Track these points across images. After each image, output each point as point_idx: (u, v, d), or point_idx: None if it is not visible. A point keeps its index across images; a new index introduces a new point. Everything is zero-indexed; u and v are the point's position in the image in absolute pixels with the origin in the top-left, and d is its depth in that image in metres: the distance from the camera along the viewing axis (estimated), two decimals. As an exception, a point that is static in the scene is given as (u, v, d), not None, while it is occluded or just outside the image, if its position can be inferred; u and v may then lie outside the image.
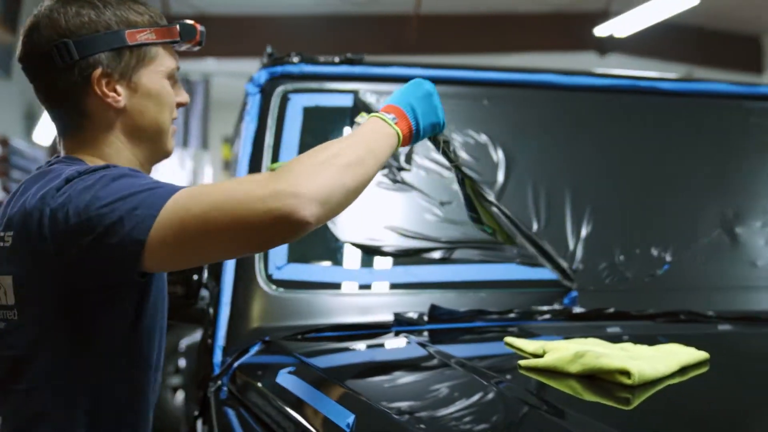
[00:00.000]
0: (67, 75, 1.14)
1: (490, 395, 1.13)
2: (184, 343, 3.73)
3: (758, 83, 2.40)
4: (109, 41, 1.15)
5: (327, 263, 1.70)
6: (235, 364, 1.47)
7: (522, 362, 1.22)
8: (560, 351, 1.21)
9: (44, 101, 1.20)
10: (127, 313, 1.14)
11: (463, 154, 1.84)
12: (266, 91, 1.84)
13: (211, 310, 1.64)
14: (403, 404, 1.12)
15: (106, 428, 1.14)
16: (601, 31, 8.60)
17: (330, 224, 1.69)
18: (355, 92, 1.83)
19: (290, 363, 1.38)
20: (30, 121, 8.54)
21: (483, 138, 1.87)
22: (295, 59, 1.88)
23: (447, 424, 1.04)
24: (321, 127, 1.84)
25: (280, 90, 1.84)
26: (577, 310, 1.61)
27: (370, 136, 1.12)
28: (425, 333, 1.53)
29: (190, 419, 1.60)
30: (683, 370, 1.18)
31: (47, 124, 8.27)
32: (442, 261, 1.69)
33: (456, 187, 1.76)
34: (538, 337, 1.38)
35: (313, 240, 1.72)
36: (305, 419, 1.15)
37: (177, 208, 1.01)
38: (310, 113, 1.84)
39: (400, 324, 1.54)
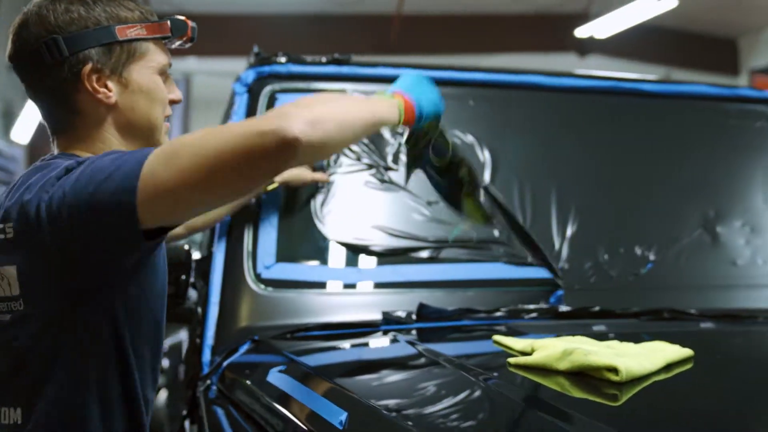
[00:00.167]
0: (56, 71, 1.14)
1: (481, 392, 1.14)
2: (168, 342, 3.71)
3: (735, 85, 2.44)
4: (98, 37, 1.15)
5: (315, 263, 1.70)
6: (225, 363, 1.47)
7: (511, 360, 1.24)
8: (549, 349, 1.22)
9: (35, 98, 1.20)
10: (132, 295, 1.14)
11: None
12: (254, 91, 1.85)
13: (199, 310, 1.64)
14: (395, 402, 1.13)
15: (118, 413, 1.15)
16: (581, 32, 8.68)
17: (318, 223, 1.70)
18: (342, 92, 1.84)
19: (280, 362, 1.39)
20: (8, 119, 8.43)
21: (469, 138, 1.88)
22: (283, 59, 1.89)
23: (439, 422, 1.05)
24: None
25: (267, 90, 1.85)
26: (563, 308, 1.63)
27: (372, 102, 1.16)
28: (413, 332, 1.54)
29: (178, 418, 1.59)
30: (669, 366, 1.20)
31: (25, 123, 8.18)
32: (430, 260, 1.70)
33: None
34: (526, 336, 1.40)
35: (302, 240, 1.73)
36: (297, 417, 1.16)
37: (164, 151, 1.01)
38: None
39: (389, 323, 1.55)
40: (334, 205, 1.72)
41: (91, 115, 1.17)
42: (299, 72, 1.88)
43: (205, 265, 1.67)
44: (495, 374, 1.22)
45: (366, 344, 1.54)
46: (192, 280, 1.66)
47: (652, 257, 1.81)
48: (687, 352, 1.26)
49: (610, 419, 1.01)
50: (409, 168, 1.43)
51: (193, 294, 1.72)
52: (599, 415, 1.04)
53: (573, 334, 1.36)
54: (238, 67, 1.94)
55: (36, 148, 8.67)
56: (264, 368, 1.40)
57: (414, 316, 1.57)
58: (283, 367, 1.35)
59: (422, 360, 1.35)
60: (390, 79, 1.34)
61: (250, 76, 1.86)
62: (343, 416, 1.07)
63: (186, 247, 1.64)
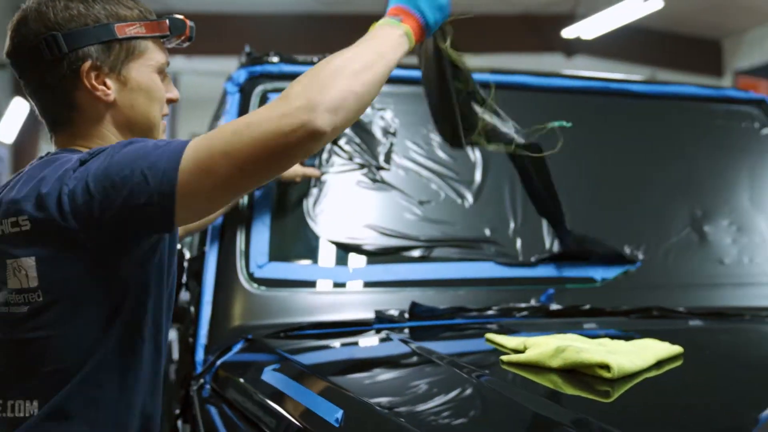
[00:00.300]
0: (55, 68, 1.14)
1: (475, 390, 1.15)
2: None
3: (719, 86, 2.47)
4: (98, 34, 1.15)
5: (308, 262, 1.71)
6: (218, 362, 1.47)
7: (504, 357, 1.25)
8: (541, 346, 1.24)
9: (33, 95, 1.20)
10: (151, 281, 1.16)
11: (441, 154, 1.87)
12: (246, 91, 1.85)
13: (192, 309, 1.64)
14: (391, 399, 1.14)
15: (137, 399, 1.16)
16: (568, 33, 8.73)
17: (311, 223, 1.71)
18: None
19: (274, 360, 1.39)
20: (-8, 118, 8.37)
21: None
22: (275, 59, 1.89)
23: (435, 418, 1.06)
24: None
25: (259, 89, 1.85)
26: (554, 306, 1.65)
27: (378, 40, 1.13)
28: (406, 330, 1.55)
29: (171, 417, 1.59)
30: (659, 363, 1.22)
31: (10, 123, 8.11)
32: (422, 259, 1.71)
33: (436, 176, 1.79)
34: (518, 334, 1.41)
35: (295, 239, 1.74)
36: (292, 415, 1.17)
37: (197, 150, 1.03)
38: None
39: (381, 321, 1.56)
40: (326, 204, 1.73)
41: (90, 112, 1.18)
42: (291, 72, 1.88)
43: (197, 265, 1.67)
44: (488, 372, 1.23)
45: (359, 343, 1.54)
46: (184, 280, 1.66)
47: (641, 256, 1.83)
48: (677, 349, 1.28)
49: (602, 415, 1.03)
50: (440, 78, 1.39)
51: (184, 294, 1.73)
52: (592, 411, 1.05)
53: (564, 332, 1.38)
54: (226, 66, 1.94)
55: (21, 147, 8.60)
56: (258, 367, 1.40)
57: (406, 315, 1.58)
58: (277, 365, 1.36)
59: (416, 358, 1.36)
60: None
61: (242, 75, 1.87)
62: (339, 414, 1.08)
63: (178, 246, 1.64)
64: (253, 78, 1.86)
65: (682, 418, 1.04)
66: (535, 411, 1.06)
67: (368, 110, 1.84)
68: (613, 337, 1.36)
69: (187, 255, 1.74)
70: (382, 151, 1.82)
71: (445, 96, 1.41)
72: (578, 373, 1.16)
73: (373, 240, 1.71)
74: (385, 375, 1.34)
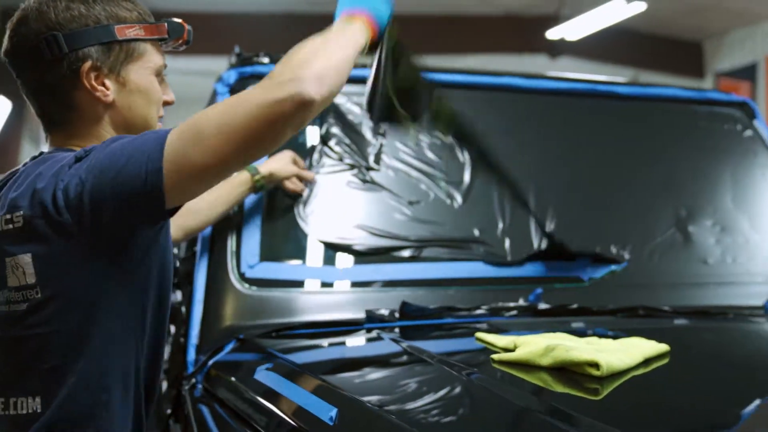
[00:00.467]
0: (55, 68, 1.15)
1: (466, 388, 1.17)
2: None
3: (701, 87, 2.51)
4: (98, 35, 1.16)
5: (299, 262, 1.72)
6: (210, 362, 1.48)
7: (495, 356, 1.27)
8: (531, 345, 1.26)
9: (31, 95, 1.21)
10: (149, 276, 1.17)
11: (430, 155, 1.88)
12: (236, 91, 1.84)
13: (183, 309, 1.64)
14: (384, 398, 1.16)
15: (137, 393, 1.17)
16: (553, 34, 8.79)
17: (301, 223, 1.72)
18: None
19: (267, 360, 1.40)
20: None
21: (449, 139, 1.91)
22: (265, 59, 1.90)
23: (428, 416, 1.08)
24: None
25: (249, 90, 1.85)
26: (542, 306, 1.67)
27: (339, 31, 1.21)
28: (396, 329, 1.56)
29: (162, 417, 1.60)
30: (647, 361, 1.25)
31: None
32: (412, 259, 1.73)
33: (424, 186, 1.81)
34: (508, 333, 1.43)
35: (286, 239, 1.75)
36: (286, 414, 1.18)
37: (186, 131, 1.05)
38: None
39: (372, 321, 1.57)
40: (317, 204, 1.74)
41: (88, 113, 1.18)
42: (281, 73, 1.88)
43: (188, 265, 1.67)
44: (479, 370, 1.25)
45: (351, 342, 1.56)
46: (175, 280, 1.67)
47: (627, 256, 1.86)
48: (663, 347, 1.31)
49: (592, 412, 1.05)
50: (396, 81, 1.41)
51: (176, 294, 1.73)
52: (582, 408, 1.07)
53: (553, 331, 1.40)
54: (208, 65, 1.95)
55: (3, 146, 8.52)
56: (250, 366, 1.41)
57: (397, 314, 1.59)
58: (269, 364, 1.37)
59: (407, 357, 1.38)
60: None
61: (232, 76, 1.87)
62: (333, 412, 1.09)
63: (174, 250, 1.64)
64: (244, 79, 1.87)
65: (669, 415, 1.06)
66: (526, 408, 1.08)
67: (357, 111, 1.85)
68: (600, 336, 1.38)
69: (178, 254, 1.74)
70: (371, 151, 1.84)
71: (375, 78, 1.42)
72: (568, 371, 1.18)
73: (363, 240, 1.72)
74: (377, 374, 1.36)
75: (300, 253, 1.72)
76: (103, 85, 1.17)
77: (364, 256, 1.71)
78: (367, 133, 1.85)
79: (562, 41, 8.87)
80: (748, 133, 2.20)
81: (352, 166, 1.80)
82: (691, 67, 10.10)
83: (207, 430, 1.33)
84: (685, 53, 10.11)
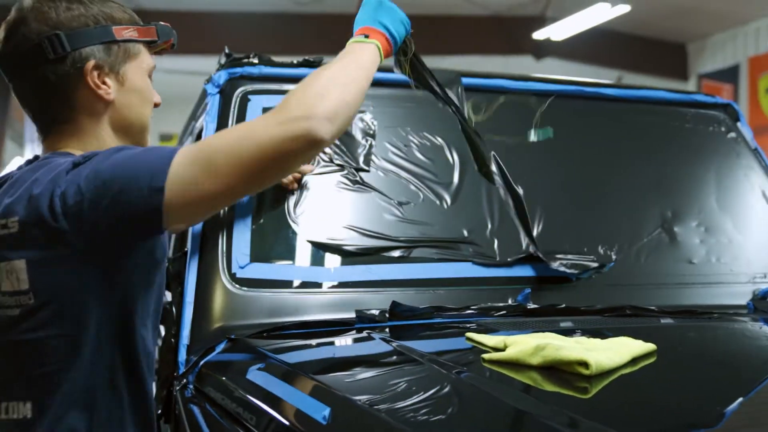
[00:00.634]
0: (59, 67, 1.17)
1: (458, 387, 1.18)
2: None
3: (688, 90, 2.54)
4: (99, 35, 1.19)
5: (289, 262, 1.72)
6: (201, 362, 1.48)
7: (485, 355, 1.28)
8: (521, 344, 1.27)
9: (30, 95, 1.21)
10: (142, 283, 1.18)
11: (420, 156, 1.89)
12: (226, 92, 1.86)
13: (173, 310, 1.64)
14: (376, 397, 1.17)
15: (128, 400, 1.18)
16: (538, 34, 8.84)
17: (292, 224, 1.72)
18: None
19: (258, 359, 1.41)
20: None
21: (438, 140, 1.93)
22: (255, 60, 1.90)
23: (421, 415, 1.09)
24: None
25: (240, 91, 1.86)
26: (531, 306, 1.69)
27: (356, 55, 1.21)
28: (387, 329, 1.57)
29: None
30: (634, 360, 1.26)
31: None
32: (402, 259, 1.74)
33: (413, 187, 1.83)
34: (497, 332, 1.44)
35: (276, 240, 1.75)
36: (279, 414, 1.18)
37: (193, 150, 1.05)
38: (269, 114, 1.86)
39: (362, 321, 1.58)
40: (307, 205, 1.75)
41: (89, 111, 1.20)
42: (271, 74, 1.89)
43: (179, 266, 1.67)
44: (470, 369, 1.26)
45: (342, 342, 1.56)
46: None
47: (614, 256, 1.88)
48: (650, 346, 1.32)
49: (582, 410, 1.07)
50: (419, 84, 1.53)
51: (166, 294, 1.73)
52: (572, 406, 1.09)
53: (542, 331, 1.41)
54: (192, 64, 1.95)
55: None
56: (242, 366, 1.42)
57: (387, 314, 1.60)
58: (261, 364, 1.37)
59: (398, 357, 1.39)
60: None
61: (222, 77, 1.87)
62: (326, 411, 1.10)
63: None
64: (233, 79, 1.87)
65: (657, 412, 1.08)
66: (517, 407, 1.09)
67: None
68: (589, 335, 1.40)
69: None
70: (362, 152, 1.85)
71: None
72: (557, 370, 1.20)
73: (353, 241, 1.73)
74: (368, 373, 1.36)
75: (290, 253, 1.73)
76: (105, 83, 1.19)
77: (354, 256, 1.72)
78: (357, 134, 1.86)
79: (547, 42, 8.93)
80: (732, 134, 2.24)
81: (342, 167, 1.81)
82: (675, 69, 10.20)
83: (199, 430, 1.34)
84: (669, 55, 10.21)
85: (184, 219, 1.11)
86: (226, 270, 1.63)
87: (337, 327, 1.59)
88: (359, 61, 1.19)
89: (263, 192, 1.74)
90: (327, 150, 1.83)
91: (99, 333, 1.13)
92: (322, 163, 1.80)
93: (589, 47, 9.05)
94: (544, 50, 9.14)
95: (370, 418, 1.09)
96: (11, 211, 1.10)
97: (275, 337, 1.53)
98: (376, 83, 1.36)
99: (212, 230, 1.68)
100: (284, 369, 1.35)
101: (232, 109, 1.83)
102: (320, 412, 1.12)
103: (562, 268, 1.76)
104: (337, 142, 1.83)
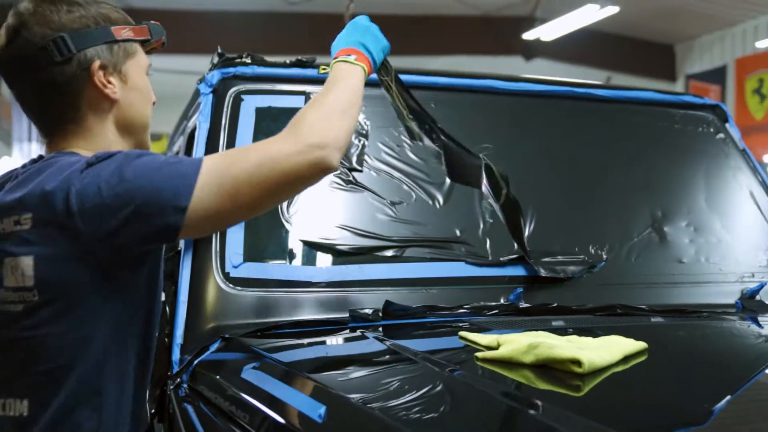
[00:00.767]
0: (65, 68, 1.19)
1: (452, 385, 1.19)
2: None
3: (678, 92, 2.56)
4: (100, 35, 1.21)
5: (283, 262, 1.73)
6: (195, 362, 1.48)
7: (479, 354, 1.29)
8: (514, 343, 1.29)
9: (35, 98, 1.22)
10: (145, 283, 1.20)
11: (412, 156, 1.90)
12: (219, 92, 1.86)
13: (167, 309, 1.64)
14: (370, 395, 1.17)
15: (131, 396, 1.19)
16: (528, 35, 8.88)
17: (285, 223, 1.73)
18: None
19: (253, 359, 1.41)
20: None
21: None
22: (247, 60, 1.91)
23: (414, 413, 1.10)
24: (274, 127, 1.87)
25: (233, 91, 1.86)
26: (523, 305, 1.70)
27: (347, 80, 1.28)
28: (380, 329, 1.58)
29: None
30: (626, 358, 1.28)
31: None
32: (395, 259, 1.75)
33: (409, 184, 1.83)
34: (490, 331, 1.46)
35: (269, 239, 1.75)
36: (274, 412, 1.19)
37: (216, 171, 1.10)
38: (262, 114, 1.86)
39: (356, 320, 1.59)
40: (300, 205, 1.75)
41: (95, 110, 1.23)
42: (264, 74, 1.90)
43: (172, 265, 1.68)
44: (464, 368, 1.28)
45: (336, 341, 1.57)
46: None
47: (605, 256, 1.90)
48: (641, 344, 1.34)
49: (574, 407, 1.08)
50: (400, 112, 1.62)
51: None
52: (565, 403, 1.10)
53: (535, 330, 1.43)
54: (181, 63, 1.95)
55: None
56: (236, 365, 1.42)
57: (380, 314, 1.61)
58: (256, 363, 1.38)
59: (393, 356, 1.40)
60: None
61: (215, 77, 1.88)
62: (322, 410, 1.11)
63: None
64: (226, 79, 1.88)
65: (648, 409, 1.09)
66: (510, 404, 1.10)
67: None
68: (581, 334, 1.41)
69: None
70: (354, 152, 1.85)
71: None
72: (550, 368, 1.21)
73: (347, 240, 1.74)
74: (362, 372, 1.37)
75: (284, 253, 1.73)
76: (110, 82, 1.22)
77: (347, 256, 1.73)
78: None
79: (537, 42, 8.97)
80: (721, 135, 2.26)
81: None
82: (663, 70, 10.27)
83: (193, 429, 1.34)
84: (657, 56, 10.29)
85: (198, 234, 1.18)
86: (219, 269, 1.64)
87: (331, 326, 1.59)
88: (352, 86, 1.28)
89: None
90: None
91: (105, 331, 1.14)
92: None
93: (579, 48, 9.11)
94: (533, 51, 9.18)
95: (364, 416, 1.09)
96: (24, 207, 1.11)
97: (269, 336, 1.53)
98: (369, 84, 1.38)
99: (206, 230, 1.68)
100: (278, 368, 1.35)
101: (225, 109, 1.83)
102: (314, 410, 1.12)
103: (551, 274, 1.77)
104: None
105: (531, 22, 8.85)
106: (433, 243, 1.78)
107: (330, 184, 1.81)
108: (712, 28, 9.82)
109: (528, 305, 1.71)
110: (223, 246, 1.67)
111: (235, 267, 1.65)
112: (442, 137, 1.69)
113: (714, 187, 2.16)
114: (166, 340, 1.58)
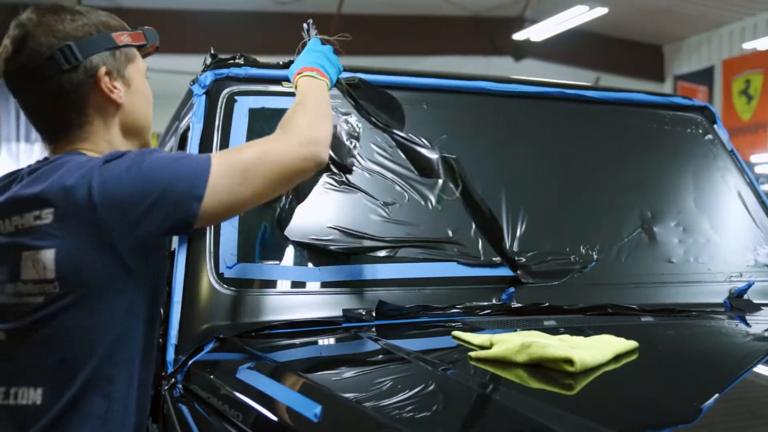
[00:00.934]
0: (73, 76, 1.23)
1: (445, 384, 1.20)
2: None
3: (667, 93, 2.58)
4: (103, 42, 1.25)
5: (276, 262, 1.73)
6: (190, 362, 1.49)
7: (472, 353, 1.31)
8: (507, 343, 1.30)
9: (41, 107, 1.25)
10: (156, 274, 1.25)
11: (403, 156, 1.92)
12: (212, 93, 1.87)
13: (161, 310, 1.64)
14: (365, 395, 1.19)
15: (138, 387, 1.24)
16: (518, 35, 8.91)
17: (279, 224, 1.73)
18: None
19: (247, 359, 1.42)
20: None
21: (423, 141, 1.95)
22: (240, 61, 1.91)
23: (408, 412, 1.11)
24: (267, 128, 1.87)
25: (226, 92, 1.87)
26: (515, 304, 1.71)
27: (320, 91, 1.43)
28: (374, 329, 1.59)
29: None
30: (617, 357, 1.30)
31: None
32: (388, 259, 1.76)
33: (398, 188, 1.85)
34: (483, 331, 1.47)
35: (263, 240, 1.76)
36: (270, 412, 1.20)
37: (225, 164, 1.19)
38: (255, 115, 1.87)
39: (349, 320, 1.60)
40: (294, 206, 1.76)
41: (101, 114, 1.27)
42: (257, 75, 1.90)
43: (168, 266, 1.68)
44: (457, 367, 1.29)
45: (330, 341, 1.58)
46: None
47: (595, 256, 1.91)
48: (632, 343, 1.36)
49: (567, 406, 1.09)
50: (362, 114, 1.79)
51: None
52: (557, 402, 1.12)
53: (527, 329, 1.44)
54: (172, 63, 1.95)
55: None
56: (231, 365, 1.43)
57: (374, 314, 1.62)
58: (251, 363, 1.39)
59: (386, 355, 1.41)
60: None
61: (208, 78, 1.88)
62: (318, 409, 1.12)
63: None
64: (219, 80, 1.88)
65: (639, 407, 1.11)
66: (504, 403, 1.12)
67: (334, 114, 1.87)
68: (572, 333, 1.43)
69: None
70: (347, 154, 1.86)
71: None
72: (543, 367, 1.23)
73: (340, 241, 1.75)
74: (356, 371, 1.38)
75: (277, 253, 1.74)
76: (116, 87, 1.27)
77: (341, 256, 1.74)
78: (343, 136, 1.88)
79: (526, 43, 9.01)
80: (709, 136, 2.28)
81: (327, 168, 1.83)
82: (652, 71, 10.34)
83: (188, 430, 1.34)
84: (646, 57, 10.35)
85: (211, 222, 1.26)
86: (213, 270, 1.64)
87: (325, 326, 1.60)
88: (324, 97, 1.44)
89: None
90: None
91: (119, 319, 1.18)
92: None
93: (568, 49, 9.15)
94: (523, 51, 9.22)
95: (357, 416, 1.10)
96: (44, 202, 1.15)
97: (263, 336, 1.54)
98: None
99: (199, 230, 1.68)
100: (273, 368, 1.36)
101: (218, 110, 1.84)
102: (309, 409, 1.13)
103: (532, 280, 1.79)
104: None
105: (521, 22, 8.89)
106: (426, 243, 1.79)
107: (323, 185, 1.82)
108: (699, 30, 9.89)
109: (520, 305, 1.72)
110: (216, 247, 1.67)
111: (229, 267, 1.66)
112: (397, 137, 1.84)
113: (703, 187, 2.19)
114: (161, 340, 1.58)
